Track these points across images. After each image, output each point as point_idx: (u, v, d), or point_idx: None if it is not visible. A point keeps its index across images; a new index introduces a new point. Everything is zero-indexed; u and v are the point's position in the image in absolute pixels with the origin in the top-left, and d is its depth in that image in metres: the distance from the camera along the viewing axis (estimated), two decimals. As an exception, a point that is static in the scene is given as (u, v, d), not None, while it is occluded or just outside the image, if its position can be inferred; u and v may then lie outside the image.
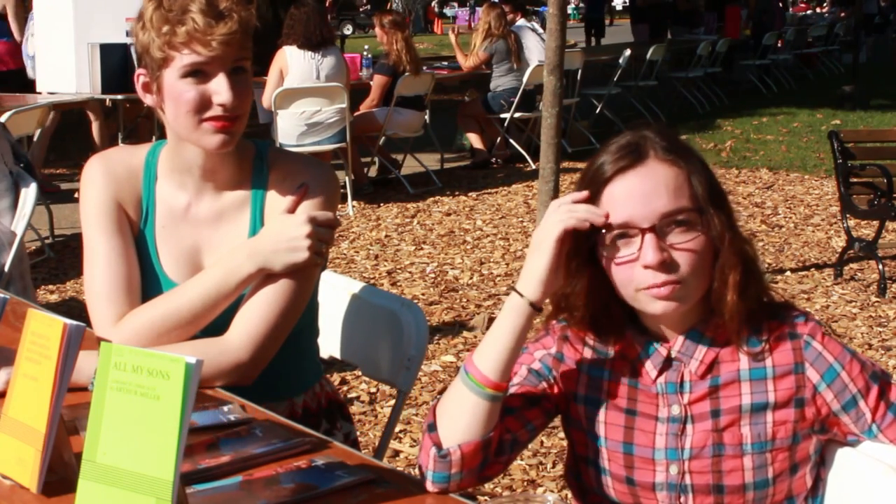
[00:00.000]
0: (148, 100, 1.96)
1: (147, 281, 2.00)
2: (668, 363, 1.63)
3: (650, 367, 1.64)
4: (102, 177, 2.02)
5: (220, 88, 1.88)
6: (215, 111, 1.88)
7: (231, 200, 2.02)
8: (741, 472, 1.59)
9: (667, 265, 1.53)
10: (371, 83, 8.46)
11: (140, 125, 8.56)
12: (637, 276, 1.55)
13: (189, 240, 2.02)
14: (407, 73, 8.11)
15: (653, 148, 1.58)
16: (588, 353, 1.69)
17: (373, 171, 8.69)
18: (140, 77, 1.95)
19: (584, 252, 1.60)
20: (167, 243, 2.01)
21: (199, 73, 1.88)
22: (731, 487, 1.59)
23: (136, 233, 2.02)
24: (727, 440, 1.60)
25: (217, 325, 1.95)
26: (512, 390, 1.66)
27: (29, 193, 3.58)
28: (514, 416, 1.65)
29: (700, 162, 1.61)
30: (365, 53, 9.19)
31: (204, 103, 1.88)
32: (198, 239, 2.02)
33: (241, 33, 1.88)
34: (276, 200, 2.00)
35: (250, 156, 2.05)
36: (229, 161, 2.00)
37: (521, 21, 10.15)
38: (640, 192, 1.55)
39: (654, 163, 1.56)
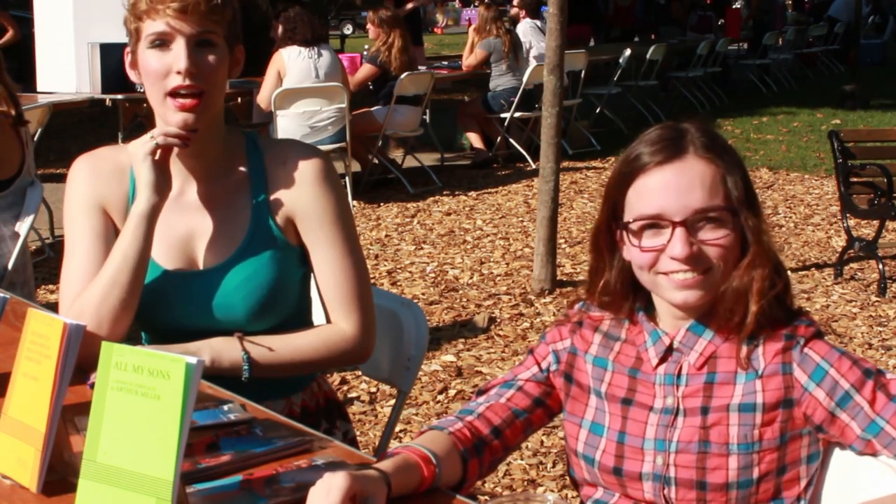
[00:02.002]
0: (133, 76, 1.99)
1: None
2: (669, 352, 1.66)
3: (653, 354, 1.67)
4: (86, 177, 2.04)
5: (177, 56, 1.90)
6: (175, 80, 1.90)
7: (226, 185, 2.03)
8: (725, 472, 1.60)
9: (693, 259, 1.58)
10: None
11: (142, 125, 8.56)
12: (662, 263, 1.60)
13: (181, 227, 2.02)
14: (405, 73, 8.10)
15: (692, 143, 1.61)
16: (598, 342, 1.73)
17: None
18: (127, 55, 1.99)
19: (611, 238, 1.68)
20: (157, 232, 2.00)
21: (162, 42, 1.91)
22: (714, 485, 1.60)
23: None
24: (714, 438, 1.61)
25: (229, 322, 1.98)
26: (520, 384, 1.76)
27: (33, 195, 3.58)
28: (520, 421, 1.74)
29: (737, 162, 1.62)
30: (365, 53, 9.18)
31: (166, 72, 1.91)
32: (190, 225, 2.02)
33: (202, 4, 1.89)
34: (278, 182, 2.02)
35: (242, 142, 2.07)
36: (216, 144, 2.02)
37: (527, 19, 10.13)
38: (675, 186, 1.58)
39: (693, 158, 1.59)
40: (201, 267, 2.02)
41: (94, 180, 2.04)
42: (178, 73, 1.89)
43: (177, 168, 2.01)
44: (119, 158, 2.06)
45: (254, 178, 2.03)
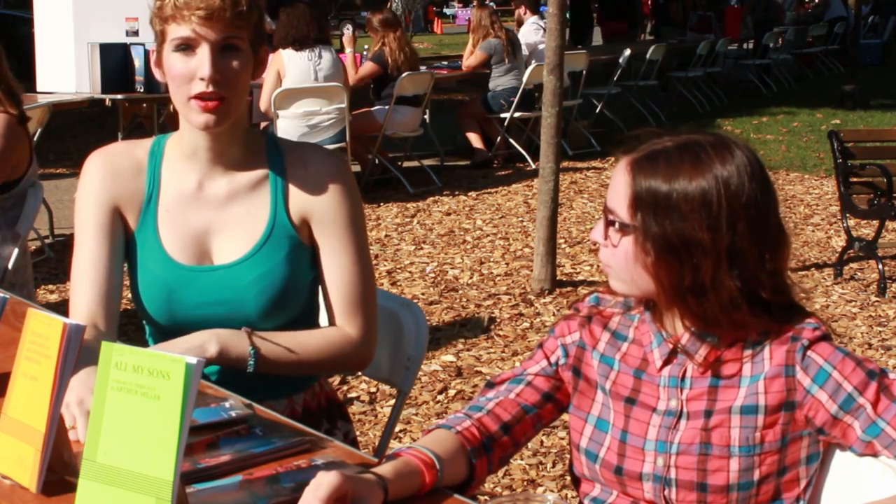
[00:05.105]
0: (157, 75, 2.00)
1: (155, 264, 2.03)
2: (673, 354, 1.66)
3: (657, 356, 1.67)
4: (100, 174, 2.05)
5: (201, 62, 1.90)
6: (198, 86, 1.91)
7: (246, 180, 2.05)
8: (726, 473, 1.60)
9: (604, 250, 1.66)
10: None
11: (141, 125, 8.56)
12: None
13: (197, 222, 2.03)
14: (405, 73, 8.11)
15: (635, 151, 1.63)
16: (606, 340, 1.74)
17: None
18: (152, 54, 2.01)
19: None
20: (171, 226, 2.03)
21: (187, 47, 1.91)
22: (715, 487, 1.60)
23: (134, 224, 2.05)
24: (715, 440, 1.61)
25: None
26: (529, 378, 1.75)
27: (33, 196, 3.58)
28: (531, 416, 1.74)
29: (673, 196, 1.57)
30: (365, 53, 9.19)
31: (190, 77, 1.91)
32: (207, 220, 2.04)
33: (228, 9, 1.89)
34: (298, 183, 2.04)
35: (263, 142, 2.09)
36: (237, 142, 2.03)
37: (533, 18, 10.11)
38: (612, 179, 1.66)
39: (622, 163, 1.64)
40: (215, 262, 2.03)
41: (107, 177, 2.05)
42: (202, 79, 1.90)
43: (197, 163, 2.03)
44: (135, 154, 2.07)
45: (273, 178, 2.05)
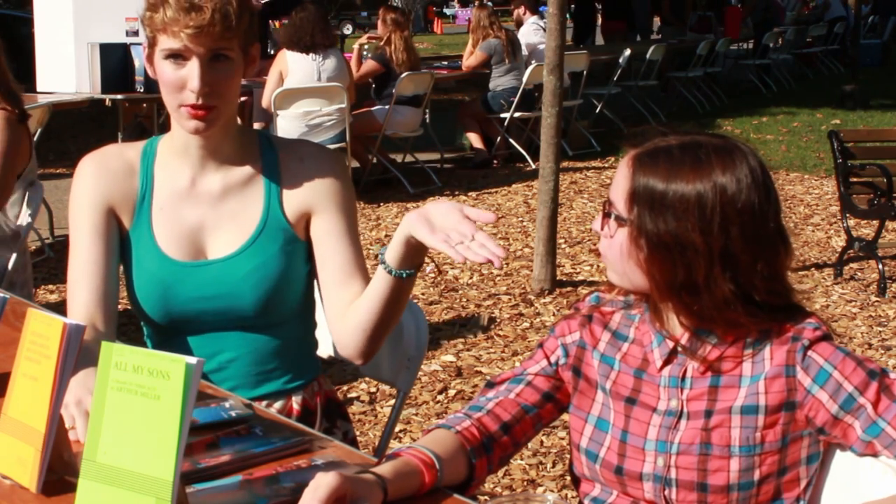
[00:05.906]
0: (150, 72, 2.00)
1: (150, 261, 2.04)
2: (673, 354, 1.66)
3: (657, 356, 1.67)
4: (94, 175, 2.06)
5: (191, 75, 1.91)
6: (188, 97, 1.92)
7: (239, 176, 2.06)
8: (726, 473, 1.60)
9: (603, 240, 1.67)
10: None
11: (141, 125, 8.56)
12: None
13: (191, 218, 2.04)
14: (405, 73, 8.12)
15: (640, 147, 1.65)
16: (606, 340, 1.74)
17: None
18: (145, 49, 2.01)
19: None
20: (166, 224, 2.04)
21: (178, 56, 1.92)
22: (715, 487, 1.60)
23: (129, 224, 2.06)
24: (715, 440, 1.61)
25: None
26: (529, 378, 1.75)
27: (34, 195, 3.58)
28: (530, 416, 1.74)
29: (668, 194, 1.58)
30: (365, 53, 9.19)
31: (181, 86, 1.92)
32: (200, 216, 2.05)
33: (218, 24, 1.89)
34: (295, 177, 2.05)
35: (256, 139, 2.10)
36: (230, 139, 2.04)
37: (533, 18, 10.12)
38: (617, 172, 1.68)
39: (626, 157, 1.66)
40: (209, 257, 2.03)
41: (101, 179, 2.06)
42: (192, 91, 1.90)
43: (190, 160, 2.04)
44: (128, 155, 2.09)
45: (267, 173, 2.06)
